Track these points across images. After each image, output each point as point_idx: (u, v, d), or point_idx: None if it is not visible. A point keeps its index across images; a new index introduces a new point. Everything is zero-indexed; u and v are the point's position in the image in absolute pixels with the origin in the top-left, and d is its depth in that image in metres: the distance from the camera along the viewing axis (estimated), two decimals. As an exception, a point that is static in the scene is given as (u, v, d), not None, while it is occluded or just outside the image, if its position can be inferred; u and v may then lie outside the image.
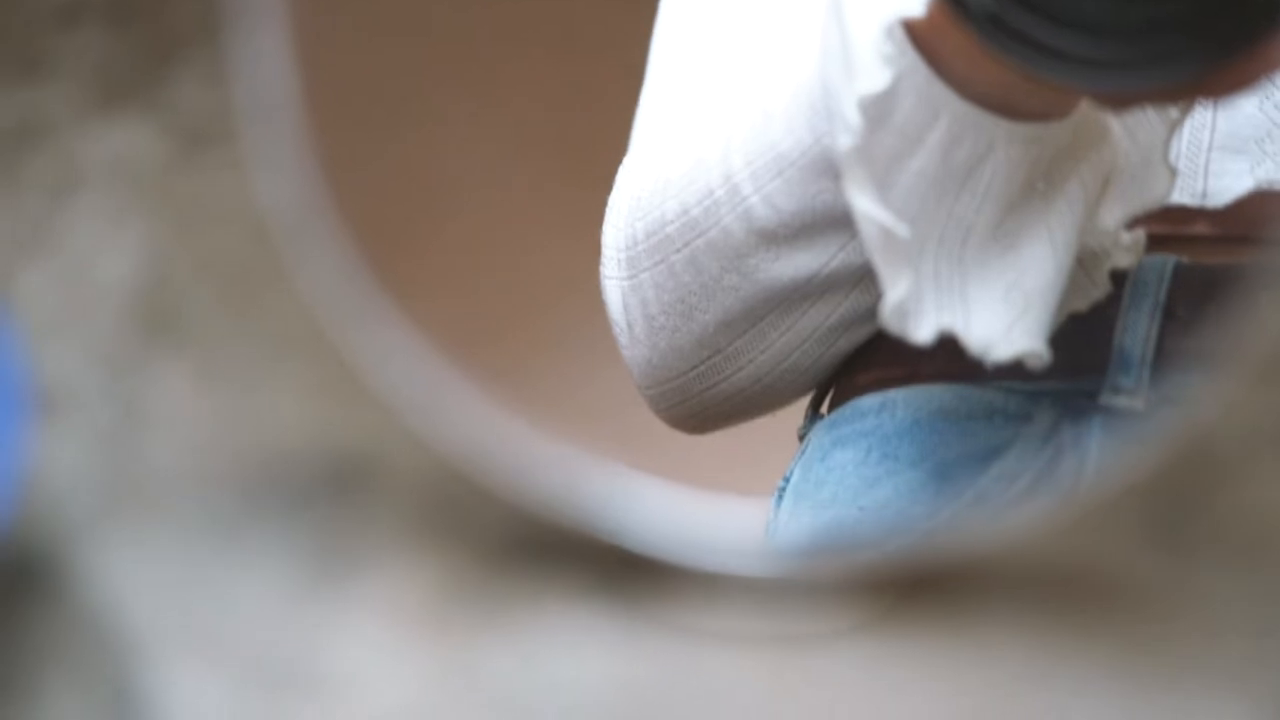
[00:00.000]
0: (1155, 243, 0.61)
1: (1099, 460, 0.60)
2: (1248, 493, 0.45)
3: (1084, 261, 0.58)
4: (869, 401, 0.67)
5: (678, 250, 0.68)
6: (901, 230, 0.54)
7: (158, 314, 0.52)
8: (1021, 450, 0.61)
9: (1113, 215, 0.58)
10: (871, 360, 0.68)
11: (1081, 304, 0.59)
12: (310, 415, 0.50)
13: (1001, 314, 0.55)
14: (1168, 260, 0.62)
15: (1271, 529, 0.44)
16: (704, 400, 0.70)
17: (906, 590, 0.45)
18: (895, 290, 0.54)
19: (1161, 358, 0.60)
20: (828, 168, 0.63)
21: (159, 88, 0.54)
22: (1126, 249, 0.59)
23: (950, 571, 0.45)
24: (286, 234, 0.50)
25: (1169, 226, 0.62)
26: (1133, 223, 0.59)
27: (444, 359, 0.67)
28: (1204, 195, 0.63)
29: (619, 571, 0.47)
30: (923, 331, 0.54)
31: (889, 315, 0.54)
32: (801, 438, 0.72)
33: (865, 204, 0.54)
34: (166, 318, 0.52)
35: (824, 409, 0.72)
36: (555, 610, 0.47)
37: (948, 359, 0.62)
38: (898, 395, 0.66)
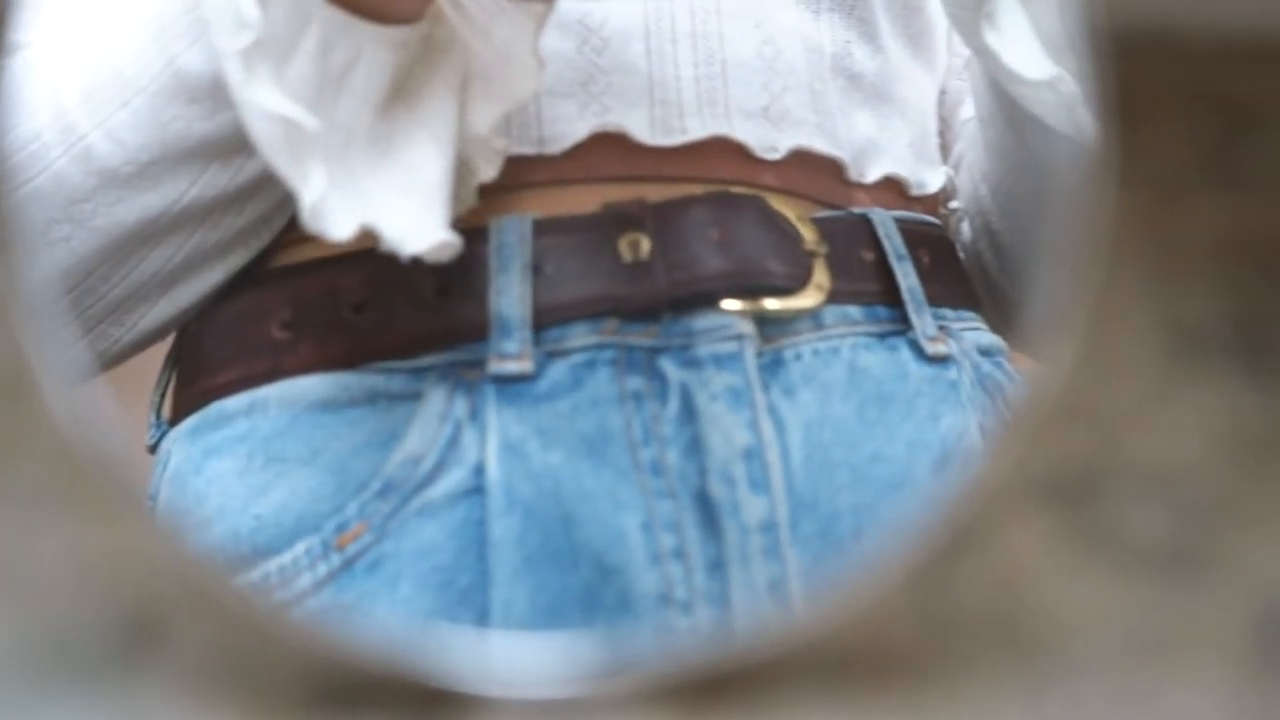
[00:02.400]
0: (505, 193, 0.61)
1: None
2: (996, 553, 0.48)
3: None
4: (235, 404, 0.63)
5: None
6: (310, 122, 0.52)
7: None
8: (420, 431, 0.60)
9: (481, 117, 0.58)
10: (228, 358, 0.64)
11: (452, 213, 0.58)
12: (87, 579, 0.49)
13: (407, 209, 0.55)
14: (525, 219, 0.62)
15: (1021, 592, 0.48)
16: None
17: (703, 693, 0.47)
18: (310, 189, 0.53)
19: (540, 316, 0.60)
20: (182, 92, 0.60)
21: None
22: (496, 153, 0.59)
23: (741, 670, 0.47)
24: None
25: (514, 176, 0.61)
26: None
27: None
28: (541, 142, 0.63)
29: (426, 709, 0.48)
30: (341, 229, 0.53)
31: (308, 216, 0.52)
32: (151, 449, 0.67)
33: (270, 99, 0.52)
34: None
35: (165, 413, 0.67)
36: (367, 754, 0.47)
37: (313, 348, 0.60)
38: (268, 393, 0.62)
